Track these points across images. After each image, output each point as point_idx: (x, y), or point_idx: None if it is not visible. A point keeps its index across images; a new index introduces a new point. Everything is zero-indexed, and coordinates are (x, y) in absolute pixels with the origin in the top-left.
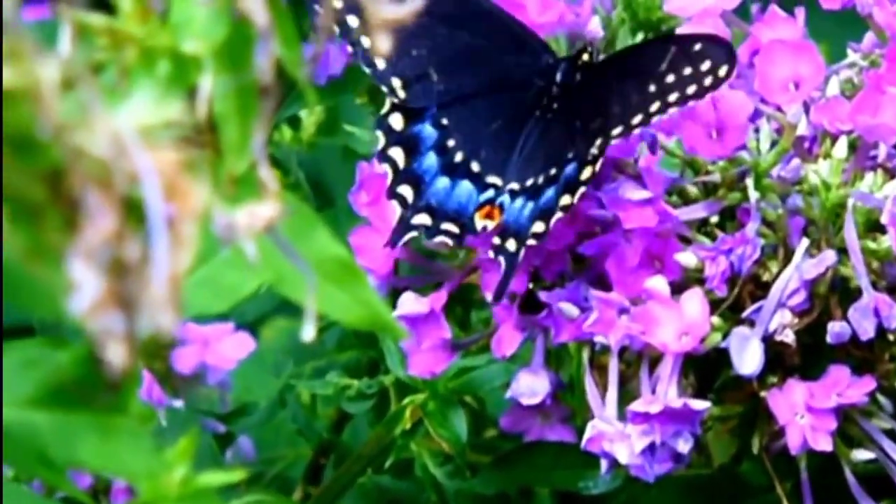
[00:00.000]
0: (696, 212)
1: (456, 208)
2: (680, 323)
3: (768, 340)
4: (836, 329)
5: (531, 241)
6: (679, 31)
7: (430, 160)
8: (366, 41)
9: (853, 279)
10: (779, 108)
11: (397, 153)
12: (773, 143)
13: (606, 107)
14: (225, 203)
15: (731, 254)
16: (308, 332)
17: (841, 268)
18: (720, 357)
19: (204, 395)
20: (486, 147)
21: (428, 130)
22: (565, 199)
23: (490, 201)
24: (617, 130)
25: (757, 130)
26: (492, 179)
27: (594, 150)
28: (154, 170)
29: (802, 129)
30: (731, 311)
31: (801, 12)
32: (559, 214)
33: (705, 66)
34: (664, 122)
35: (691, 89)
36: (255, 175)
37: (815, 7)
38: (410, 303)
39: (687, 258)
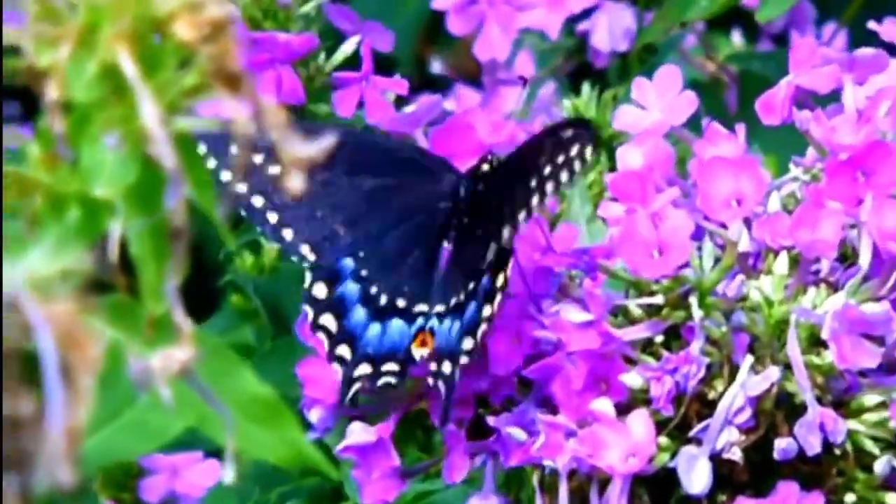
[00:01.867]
0: (640, 332)
1: (391, 348)
2: (627, 444)
3: (716, 459)
4: (782, 445)
5: (464, 360)
6: (621, 148)
7: (359, 314)
8: (272, 217)
9: (798, 394)
10: (722, 225)
11: (328, 319)
12: (717, 261)
13: (500, 211)
14: (143, 347)
15: (677, 373)
16: (228, 475)
17: (786, 383)
18: (670, 476)
19: None
20: (407, 280)
21: (350, 287)
22: (486, 311)
23: (421, 329)
24: (507, 232)
25: (700, 248)
26: (419, 308)
27: (490, 256)
28: (48, 322)
29: (745, 246)
30: (678, 430)
31: (741, 128)
32: (484, 326)
33: (574, 150)
34: (606, 244)
35: (564, 175)
36: (169, 318)
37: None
38: (359, 432)
39: (632, 379)
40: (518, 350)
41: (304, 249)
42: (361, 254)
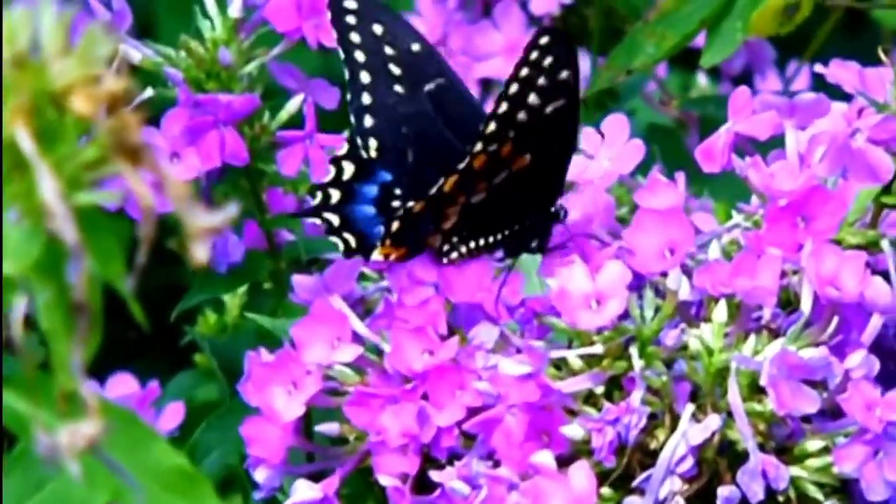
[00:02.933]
0: (580, 383)
1: (365, 232)
2: (569, 496)
3: None
4: (725, 493)
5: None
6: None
7: (372, 190)
8: (366, 99)
9: (741, 442)
10: (663, 274)
11: (349, 166)
12: (657, 310)
13: None
14: (52, 422)
15: (618, 423)
16: None
17: (728, 431)
18: None
19: None
20: None
21: (385, 173)
22: (411, 203)
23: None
24: (477, 145)
25: (640, 297)
26: None
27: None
28: None
29: (686, 294)
30: (620, 480)
31: (681, 177)
32: (397, 223)
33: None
34: (545, 298)
35: (541, 80)
36: (76, 394)
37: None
38: (304, 490)
39: (573, 430)
40: (460, 402)
41: (373, 143)
42: (405, 178)
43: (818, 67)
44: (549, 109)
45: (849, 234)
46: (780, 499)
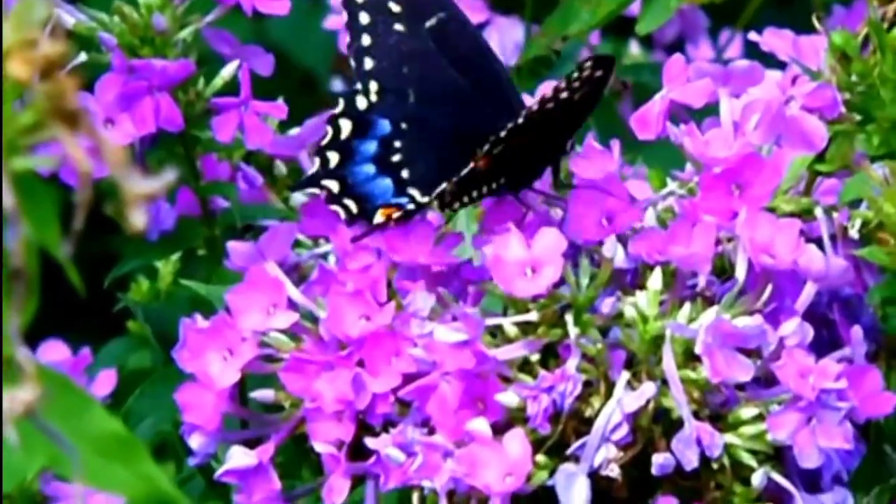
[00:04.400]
0: (515, 351)
1: (366, 194)
2: (504, 463)
3: (594, 476)
4: (660, 461)
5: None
6: None
7: (371, 147)
8: (366, 40)
9: (675, 410)
10: (598, 242)
11: (346, 124)
12: (593, 278)
13: None
14: None
15: (553, 391)
16: None
17: (663, 399)
18: (549, 495)
19: None
20: (424, 165)
21: (384, 124)
22: (417, 194)
23: (398, 206)
24: (487, 146)
25: (576, 265)
26: (412, 191)
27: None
28: None
29: (621, 262)
30: (555, 448)
31: (616, 144)
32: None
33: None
34: (482, 264)
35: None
36: (13, 360)
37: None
38: (239, 456)
39: (508, 398)
40: (396, 368)
41: (373, 86)
42: (405, 126)
43: (752, 35)
44: (576, 97)
45: (783, 202)
46: (715, 466)
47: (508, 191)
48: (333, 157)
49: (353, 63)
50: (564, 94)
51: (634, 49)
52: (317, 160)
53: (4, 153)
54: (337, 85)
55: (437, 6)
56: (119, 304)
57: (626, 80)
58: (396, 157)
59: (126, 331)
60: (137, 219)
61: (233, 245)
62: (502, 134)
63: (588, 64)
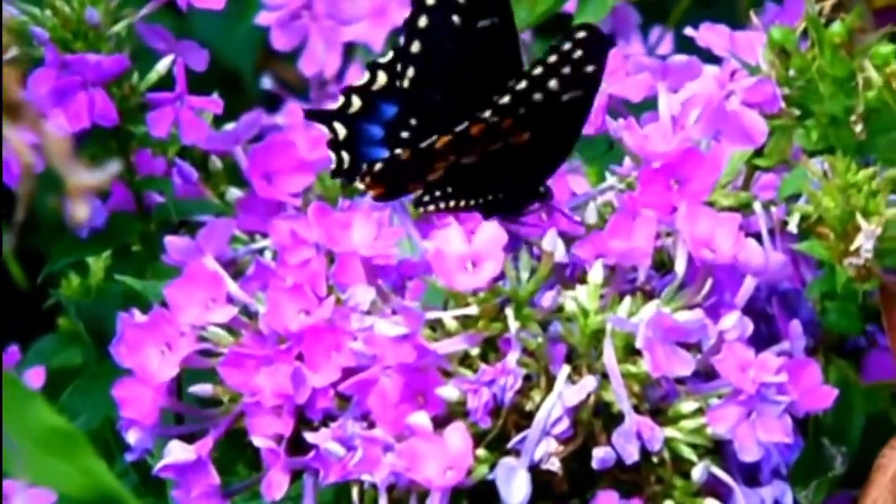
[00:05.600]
0: (455, 345)
1: (362, 152)
2: (444, 457)
3: (535, 469)
4: (600, 454)
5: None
6: None
7: (390, 111)
8: (422, 20)
9: (615, 404)
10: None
11: (382, 78)
12: (533, 272)
13: None
14: None
15: (494, 385)
16: None
17: (603, 393)
18: (489, 489)
19: None
20: None
21: (397, 107)
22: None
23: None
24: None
25: (516, 259)
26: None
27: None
28: None
29: (561, 256)
30: (496, 442)
31: None
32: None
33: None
34: (423, 258)
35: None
36: None
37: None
38: (177, 451)
39: (449, 392)
40: (335, 363)
41: (410, 72)
42: (425, 114)
43: (689, 30)
44: (565, 97)
45: (721, 197)
46: (655, 460)
47: (498, 210)
48: (356, 103)
49: (402, 38)
50: (553, 58)
51: None
52: (341, 98)
53: None
54: (267, 83)
55: (496, 9)
56: (50, 300)
57: None
58: (405, 135)
59: (56, 328)
60: (80, 211)
61: (170, 240)
62: (481, 114)
63: (577, 33)
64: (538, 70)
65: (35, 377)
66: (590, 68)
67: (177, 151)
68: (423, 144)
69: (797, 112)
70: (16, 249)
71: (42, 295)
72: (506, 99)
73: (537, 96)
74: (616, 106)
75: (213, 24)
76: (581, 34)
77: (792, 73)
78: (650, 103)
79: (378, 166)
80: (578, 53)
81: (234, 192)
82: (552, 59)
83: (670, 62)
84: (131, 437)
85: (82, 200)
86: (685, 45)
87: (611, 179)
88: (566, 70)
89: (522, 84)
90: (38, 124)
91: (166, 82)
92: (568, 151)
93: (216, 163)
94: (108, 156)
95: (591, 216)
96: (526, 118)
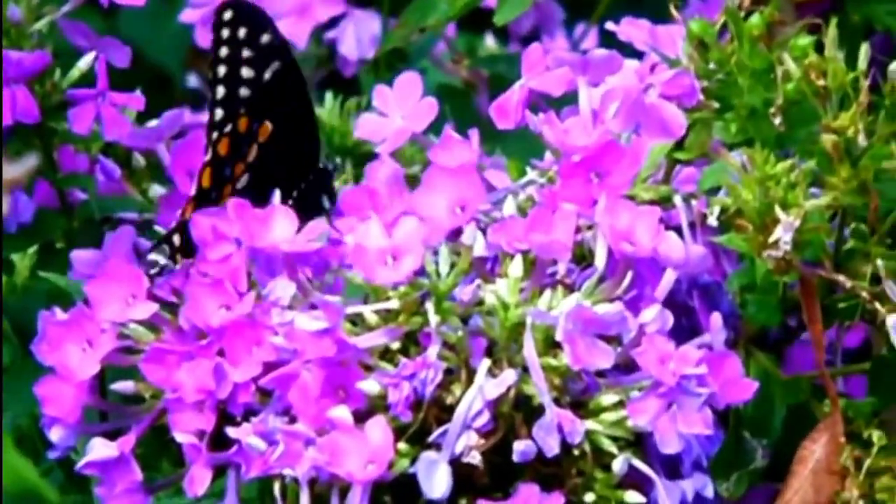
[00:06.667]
0: (376, 339)
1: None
2: (365, 451)
3: (456, 463)
4: (521, 447)
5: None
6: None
7: None
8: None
9: (536, 397)
10: (458, 231)
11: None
12: (453, 266)
13: None
14: None
15: (414, 379)
16: None
17: (524, 386)
18: (411, 482)
19: None
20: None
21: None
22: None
23: None
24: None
25: (436, 254)
26: None
27: None
28: None
29: (481, 250)
30: (417, 436)
31: (474, 133)
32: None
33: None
34: (341, 251)
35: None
36: None
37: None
38: (99, 448)
39: (370, 385)
40: (256, 358)
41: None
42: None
43: (610, 25)
44: (267, 76)
45: (642, 190)
46: (576, 452)
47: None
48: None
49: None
50: (224, 51)
51: (490, 42)
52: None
53: None
54: (192, 81)
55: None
56: None
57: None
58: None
59: None
60: (1, 205)
61: (77, 254)
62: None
63: (224, 15)
64: (222, 70)
65: None
66: (265, 38)
67: (100, 148)
68: (192, 191)
69: (716, 105)
70: None
71: None
72: (219, 113)
73: (244, 91)
74: (536, 100)
75: (140, 23)
76: (228, 14)
77: (711, 65)
78: (570, 98)
79: (176, 240)
80: (242, 32)
81: (156, 189)
82: (224, 51)
83: (591, 56)
84: (54, 434)
85: (5, 194)
86: (610, 41)
87: (531, 174)
88: (247, 53)
89: (221, 91)
90: None
91: (89, 79)
92: (314, 121)
93: (139, 160)
94: (31, 153)
95: (509, 210)
96: (253, 113)
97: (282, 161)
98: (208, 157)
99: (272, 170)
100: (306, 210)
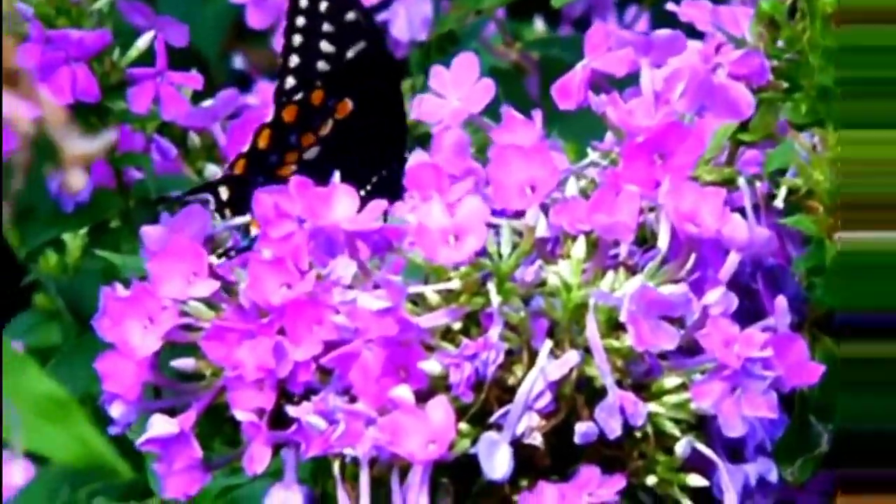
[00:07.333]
0: (438, 319)
1: None
2: (427, 431)
3: (517, 444)
4: (583, 429)
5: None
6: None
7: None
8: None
9: (598, 378)
10: (520, 213)
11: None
12: (515, 247)
13: None
14: None
15: (476, 359)
16: (17, 475)
17: (586, 368)
18: (472, 463)
19: None
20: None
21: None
22: None
23: None
24: None
25: (498, 234)
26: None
27: None
28: None
29: (543, 231)
30: (478, 416)
31: (538, 115)
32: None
33: None
34: (404, 231)
35: None
36: None
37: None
38: (160, 424)
39: (431, 366)
40: (317, 336)
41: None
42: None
43: (670, 6)
44: (350, 54)
45: (705, 172)
46: (638, 435)
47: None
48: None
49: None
50: (300, 21)
51: (539, 26)
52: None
53: None
54: (238, 62)
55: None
56: (28, 277)
57: (530, 55)
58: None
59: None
60: (77, 180)
61: (146, 230)
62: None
63: None
64: (297, 38)
65: None
66: (350, 16)
67: (155, 127)
68: (245, 148)
69: (785, 85)
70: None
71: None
72: (290, 81)
73: (321, 65)
74: (598, 81)
75: (178, 5)
76: None
77: (781, 44)
78: (631, 79)
79: (224, 193)
80: (323, 5)
81: (211, 169)
82: (300, 21)
83: (654, 37)
84: (115, 410)
85: (78, 170)
86: (661, 25)
87: (593, 155)
88: (327, 27)
89: (294, 59)
90: (35, 92)
91: (144, 58)
92: (402, 110)
93: (194, 139)
94: (89, 132)
95: (571, 190)
96: (331, 88)
97: (361, 144)
98: (270, 119)
99: (349, 150)
100: (384, 198)
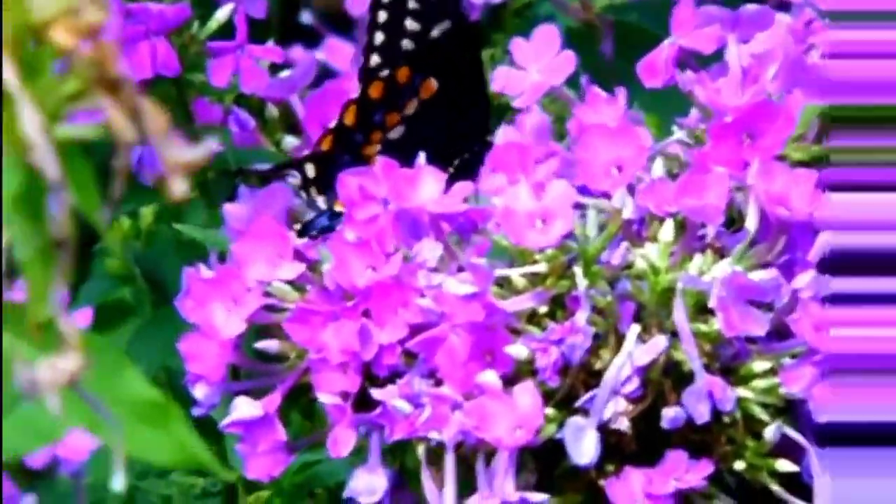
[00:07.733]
0: (524, 303)
1: None
2: (513, 416)
3: (604, 429)
4: (670, 414)
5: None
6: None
7: None
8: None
9: (686, 363)
10: (605, 194)
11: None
12: (601, 229)
13: None
14: (29, 353)
15: (562, 343)
16: (118, 482)
17: (673, 352)
18: (558, 447)
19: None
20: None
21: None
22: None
23: None
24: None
25: (584, 216)
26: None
27: None
28: None
29: (629, 213)
30: (565, 401)
31: (622, 92)
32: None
33: None
34: (490, 213)
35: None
36: (56, 327)
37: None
38: (244, 407)
39: (517, 350)
40: (402, 319)
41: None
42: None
43: None
44: (435, 33)
45: (793, 150)
46: (726, 420)
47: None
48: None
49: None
50: (407, 22)
51: None
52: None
53: (48, 121)
54: (306, 17)
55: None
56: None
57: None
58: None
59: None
60: (179, 187)
61: (229, 209)
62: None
63: None
64: (383, 15)
65: (82, 318)
66: None
67: (233, 99)
68: (332, 124)
69: None
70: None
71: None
72: (375, 58)
73: (406, 43)
74: (686, 57)
75: None
76: None
77: None
78: (714, 56)
79: (310, 170)
80: None
81: (289, 140)
82: None
83: (741, 12)
84: (199, 392)
85: (181, 177)
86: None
87: (678, 133)
88: (413, 4)
89: (379, 37)
90: (136, 99)
91: (226, 31)
92: (484, 89)
93: (272, 110)
94: (168, 104)
95: (657, 171)
96: (416, 66)
97: (445, 124)
98: (357, 95)
99: (433, 130)
100: (467, 180)
